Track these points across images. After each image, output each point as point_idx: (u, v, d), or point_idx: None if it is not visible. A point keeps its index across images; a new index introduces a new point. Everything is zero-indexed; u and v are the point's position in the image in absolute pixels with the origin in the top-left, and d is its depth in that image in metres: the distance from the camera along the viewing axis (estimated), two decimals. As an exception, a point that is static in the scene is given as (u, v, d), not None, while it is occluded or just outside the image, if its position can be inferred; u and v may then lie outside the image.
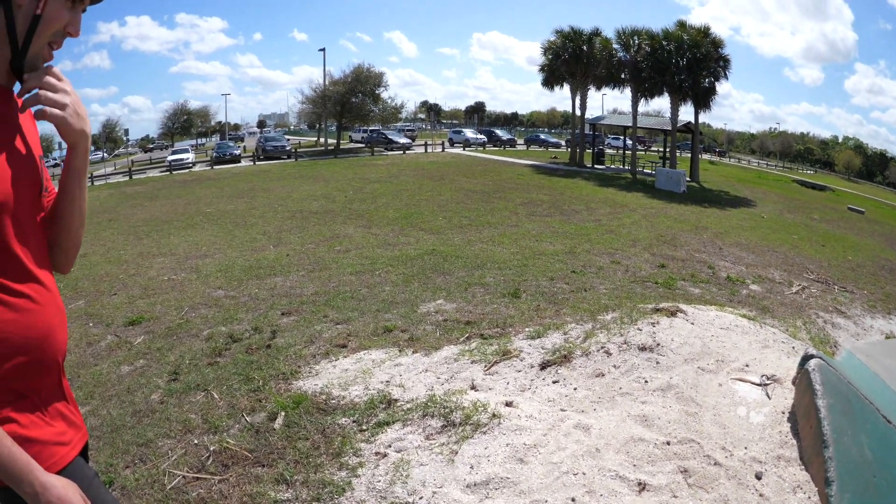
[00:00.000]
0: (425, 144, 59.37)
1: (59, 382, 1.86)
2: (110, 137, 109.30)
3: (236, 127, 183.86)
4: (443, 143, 61.00)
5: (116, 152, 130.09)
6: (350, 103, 61.05)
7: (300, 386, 5.87)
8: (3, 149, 1.72)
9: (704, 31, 39.10)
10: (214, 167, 49.84)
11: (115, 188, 38.82)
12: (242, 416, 5.26)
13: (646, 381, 5.08)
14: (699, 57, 38.26)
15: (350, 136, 77.13)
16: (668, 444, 4.12)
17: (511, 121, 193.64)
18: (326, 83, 63.07)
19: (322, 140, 75.30)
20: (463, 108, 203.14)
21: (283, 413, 5.16)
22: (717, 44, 39.34)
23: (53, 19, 1.74)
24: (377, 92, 62.36)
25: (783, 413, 4.51)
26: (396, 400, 5.23)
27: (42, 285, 1.78)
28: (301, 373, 6.24)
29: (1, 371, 1.63)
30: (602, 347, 5.94)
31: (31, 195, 1.82)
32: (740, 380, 5.07)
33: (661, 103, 70.19)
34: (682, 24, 40.00)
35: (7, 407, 1.65)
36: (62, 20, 1.76)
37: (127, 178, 48.19)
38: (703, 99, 39.74)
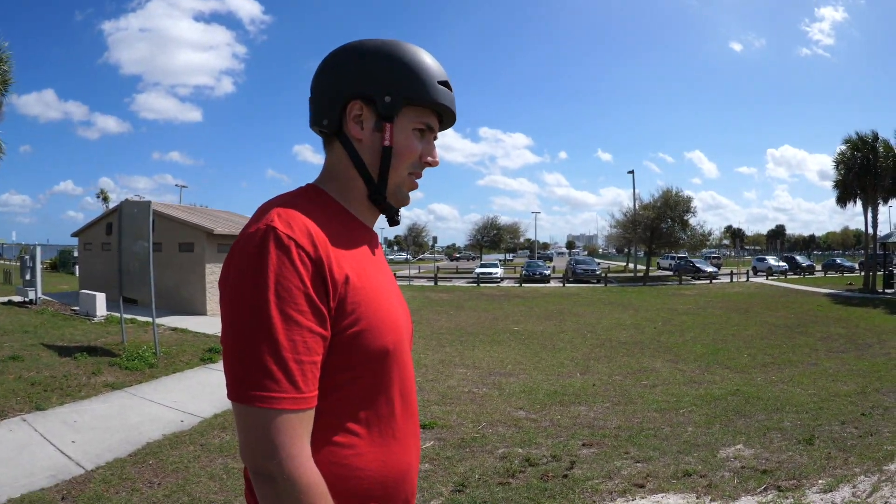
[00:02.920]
0: (731, 273, 58.24)
1: None
2: (416, 241, 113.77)
3: (545, 245, 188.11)
4: (747, 272, 59.75)
5: (421, 256, 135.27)
6: (659, 229, 61.08)
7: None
8: (386, 292, 1.77)
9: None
10: (523, 285, 51.14)
11: (419, 291, 40.97)
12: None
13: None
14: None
15: (658, 263, 76.99)
16: None
17: (809, 244, 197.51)
18: (637, 207, 63.47)
19: (631, 265, 75.53)
20: (764, 231, 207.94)
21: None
22: None
23: (406, 150, 1.78)
24: (685, 218, 61.97)
25: None
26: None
27: (411, 428, 1.82)
28: (594, 509, 6.22)
29: None
30: (886, 502, 5.77)
31: (408, 336, 1.90)
32: None
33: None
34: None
35: None
36: (415, 151, 1.79)
37: (432, 284, 50.64)
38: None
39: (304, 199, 1.72)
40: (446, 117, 1.88)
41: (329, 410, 1.59)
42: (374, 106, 1.74)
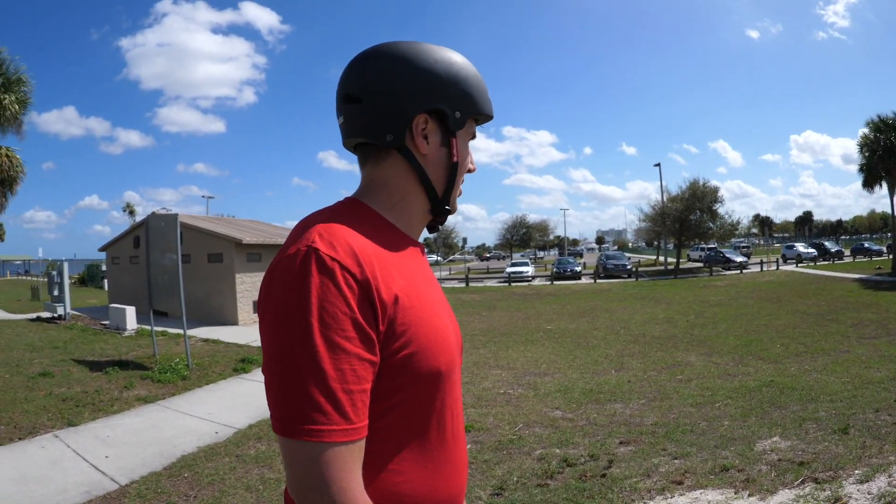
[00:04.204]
0: (761, 262, 57.93)
1: None
2: (446, 243, 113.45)
3: (575, 242, 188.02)
4: (777, 260, 59.31)
5: (451, 258, 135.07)
6: (688, 221, 60.82)
7: (630, 521, 5.81)
8: (437, 309, 1.68)
9: None
10: (554, 282, 51.39)
11: (451, 293, 40.55)
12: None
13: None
14: None
15: (688, 255, 76.65)
16: None
17: (836, 229, 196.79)
18: (665, 199, 63.39)
19: (661, 258, 75.31)
20: (792, 218, 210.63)
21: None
22: None
23: (465, 163, 1.77)
24: (714, 208, 61.70)
25: None
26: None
27: (460, 450, 1.75)
28: (634, 507, 6.23)
29: None
30: (922, 490, 5.74)
31: (458, 354, 1.77)
32: None
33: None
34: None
35: None
36: (469, 158, 1.79)
37: (464, 285, 50.95)
38: None
39: (346, 214, 1.62)
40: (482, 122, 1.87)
41: (378, 436, 1.51)
42: (443, 121, 1.69)
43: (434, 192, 1.72)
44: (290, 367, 1.36)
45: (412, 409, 1.57)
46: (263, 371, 1.46)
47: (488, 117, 1.81)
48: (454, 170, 1.72)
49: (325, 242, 1.45)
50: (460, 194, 1.83)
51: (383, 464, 1.54)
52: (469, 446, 8.28)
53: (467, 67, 1.74)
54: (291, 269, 1.43)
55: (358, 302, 1.42)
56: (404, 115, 1.65)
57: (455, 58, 1.73)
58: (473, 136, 1.82)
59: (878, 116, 40.62)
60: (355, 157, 1.80)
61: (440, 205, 1.75)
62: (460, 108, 1.69)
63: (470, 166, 1.81)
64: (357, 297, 1.42)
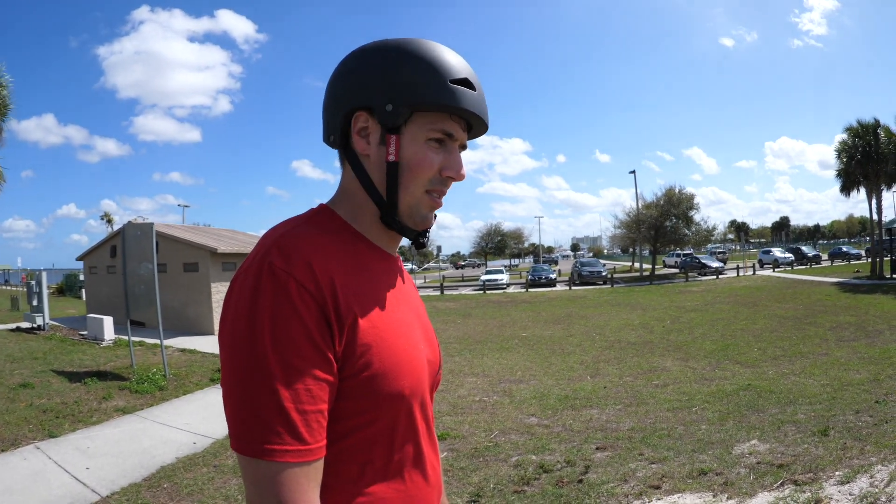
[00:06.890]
0: (737, 268, 58.25)
1: None
2: (420, 251, 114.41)
3: (549, 249, 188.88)
4: (753, 265, 59.78)
5: (426, 266, 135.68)
6: (664, 227, 61.24)
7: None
8: (406, 327, 1.59)
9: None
10: (529, 290, 51.64)
11: (427, 301, 40.01)
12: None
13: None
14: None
15: (663, 261, 77.16)
16: None
17: (814, 234, 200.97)
18: (640, 206, 63.77)
19: (636, 265, 75.74)
20: (768, 224, 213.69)
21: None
22: None
23: (419, 165, 1.53)
24: (689, 214, 62.15)
25: None
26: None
27: (429, 470, 1.65)
28: (611, 512, 6.16)
29: None
30: (904, 490, 5.72)
31: (430, 375, 1.68)
32: None
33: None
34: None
35: None
36: (431, 165, 1.54)
37: (439, 293, 51.04)
38: None
39: (312, 224, 1.54)
40: (473, 122, 1.61)
41: (341, 457, 1.45)
42: (378, 116, 1.52)
43: (379, 196, 1.57)
44: (245, 386, 1.32)
45: (375, 430, 1.50)
46: (222, 385, 1.39)
47: (443, 108, 1.51)
48: (393, 171, 1.53)
49: (282, 256, 1.38)
50: (436, 206, 1.62)
51: (346, 486, 1.47)
52: (445, 454, 8.27)
53: (406, 50, 1.53)
54: (246, 285, 1.38)
55: (313, 319, 1.35)
56: (338, 113, 1.57)
57: (396, 44, 1.55)
58: (451, 137, 1.57)
59: (857, 121, 41.10)
60: (328, 166, 1.68)
61: (387, 211, 1.57)
62: (392, 99, 1.50)
63: (450, 174, 1.59)
64: (313, 314, 1.35)
